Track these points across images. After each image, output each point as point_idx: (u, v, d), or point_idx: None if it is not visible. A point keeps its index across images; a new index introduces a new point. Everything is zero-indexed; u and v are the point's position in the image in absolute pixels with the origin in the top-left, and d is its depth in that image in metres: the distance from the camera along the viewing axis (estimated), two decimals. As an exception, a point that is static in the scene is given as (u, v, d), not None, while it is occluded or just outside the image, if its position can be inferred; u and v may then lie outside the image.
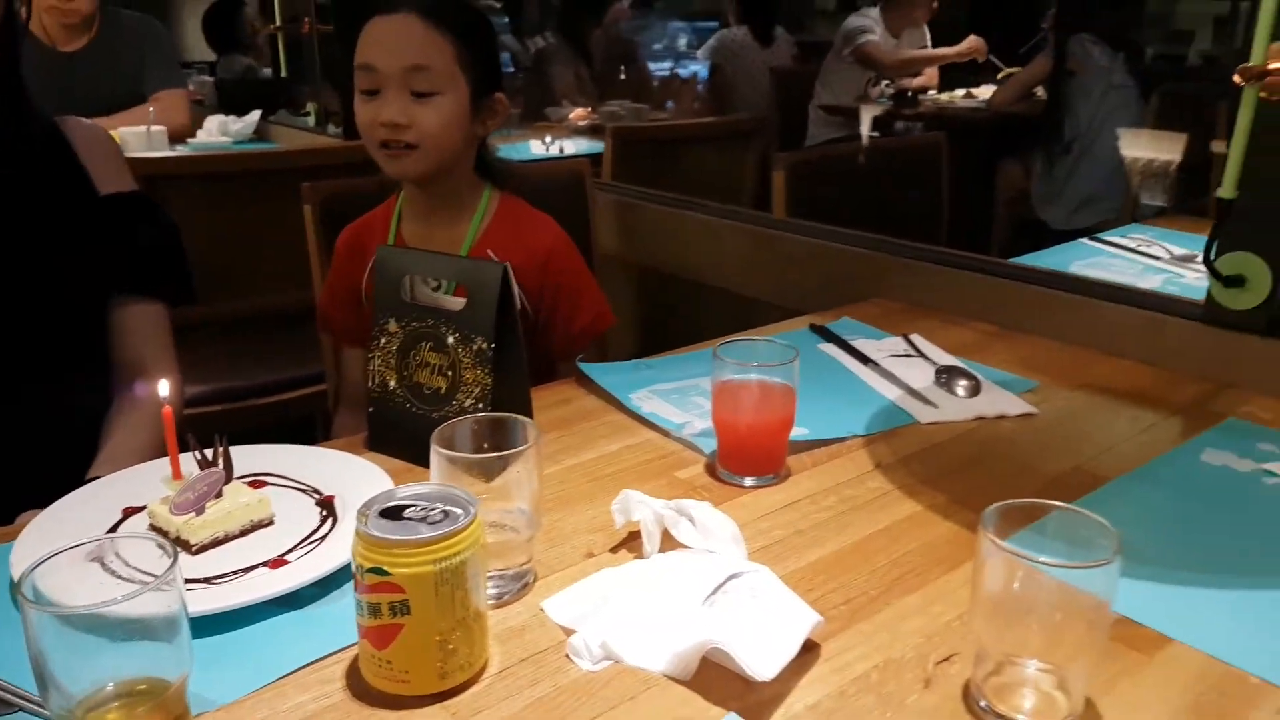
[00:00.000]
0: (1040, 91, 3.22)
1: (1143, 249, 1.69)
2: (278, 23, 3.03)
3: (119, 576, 0.60)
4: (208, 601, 0.65)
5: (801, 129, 3.70)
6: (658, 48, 4.86)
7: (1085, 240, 1.79)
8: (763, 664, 0.60)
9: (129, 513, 0.78)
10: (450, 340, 0.87)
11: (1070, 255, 1.68)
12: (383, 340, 0.91)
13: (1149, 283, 1.50)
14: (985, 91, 3.67)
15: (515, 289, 0.86)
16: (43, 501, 0.79)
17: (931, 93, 3.84)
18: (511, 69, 3.84)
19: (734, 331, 1.23)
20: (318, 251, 1.44)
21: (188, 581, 0.67)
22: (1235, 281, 1.15)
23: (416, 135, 1.15)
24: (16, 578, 0.52)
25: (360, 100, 1.17)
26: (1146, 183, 2.68)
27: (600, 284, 1.39)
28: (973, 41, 3.72)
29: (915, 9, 3.72)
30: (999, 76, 3.69)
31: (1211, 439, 1.00)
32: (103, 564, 0.62)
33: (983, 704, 0.61)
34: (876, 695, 0.62)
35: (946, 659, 0.65)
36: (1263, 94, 1.06)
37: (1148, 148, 2.72)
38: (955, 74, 3.85)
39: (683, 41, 5.10)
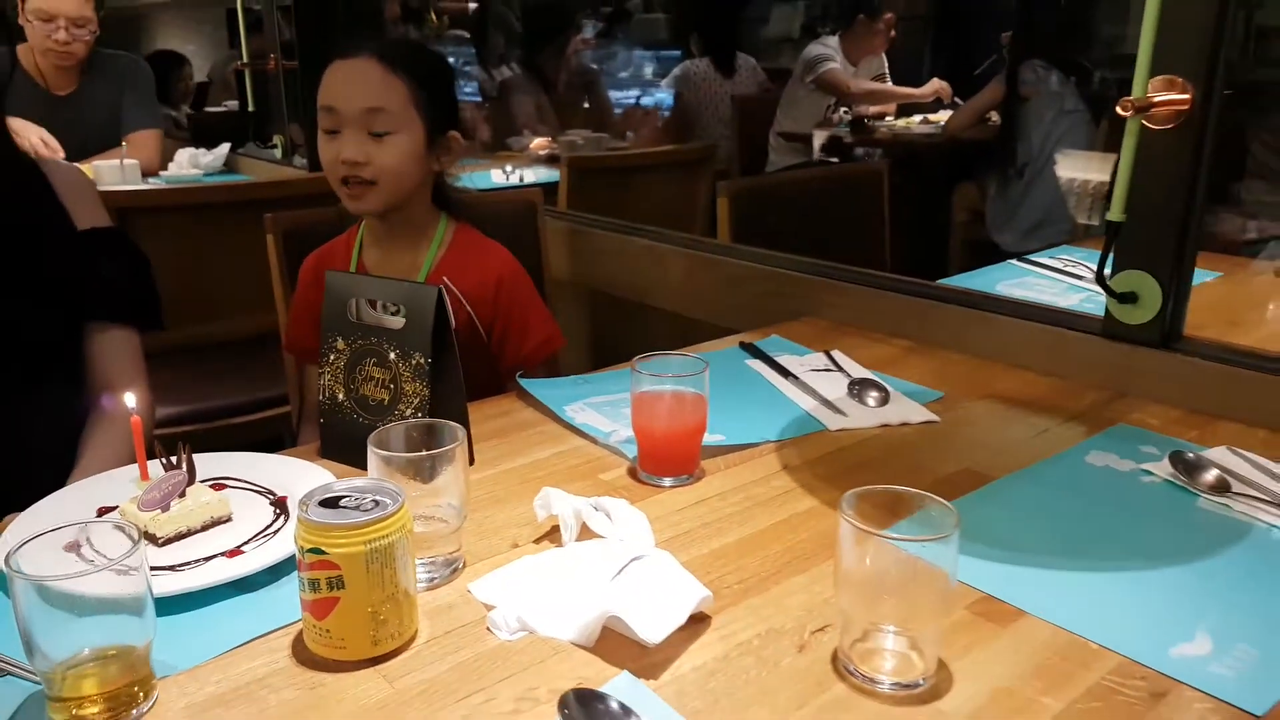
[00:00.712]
0: (995, 116, 3.34)
1: (1068, 269, 1.79)
2: (245, 59, 3.13)
3: (91, 563, 0.68)
4: (170, 584, 0.74)
5: (765, 156, 3.83)
6: (623, 76, 5.00)
7: (1014, 261, 1.90)
8: (652, 630, 0.69)
9: (103, 511, 0.86)
10: (392, 356, 0.97)
11: (997, 276, 1.78)
12: (331, 357, 1.01)
13: (1069, 300, 1.60)
14: (942, 116, 3.79)
15: (450, 310, 0.96)
16: (23, 507, 0.87)
17: (889, 119, 3.98)
18: (479, 99, 3.95)
19: (677, 349, 1.33)
20: (280, 278, 1.53)
21: (154, 569, 0.75)
22: (1129, 298, 1.25)
23: (374, 172, 1.23)
24: (3, 558, 0.60)
25: (323, 139, 1.26)
26: (1092, 205, 2.80)
27: (552, 306, 1.49)
28: (936, 84, 3.86)
29: (874, 38, 3.85)
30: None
31: (1098, 442, 1.10)
32: (78, 553, 0.70)
33: (849, 667, 0.70)
34: (756, 658, 0.71)
35: (821, 629, 0.75)
36: (1145, 123, 1.18)
37: (1090, 171, 2.85)
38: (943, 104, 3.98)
39: (648, 70, 5.24)
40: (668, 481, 0.99)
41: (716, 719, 0.65)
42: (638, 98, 4.46)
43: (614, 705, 0.61)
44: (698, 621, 0.74)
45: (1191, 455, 1.02)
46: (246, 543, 0.82)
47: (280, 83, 2.85)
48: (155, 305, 1.25)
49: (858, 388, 1.22)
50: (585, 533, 0.85)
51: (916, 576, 0.67)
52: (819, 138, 3.64)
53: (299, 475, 0.92)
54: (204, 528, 0.84)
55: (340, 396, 1.00)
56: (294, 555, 0.69)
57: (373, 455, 0.77)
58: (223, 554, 0.80)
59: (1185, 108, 1.15)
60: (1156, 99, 1.15)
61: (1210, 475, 0.98)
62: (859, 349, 1.38)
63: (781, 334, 1.46)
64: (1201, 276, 1.52)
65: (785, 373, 1.29)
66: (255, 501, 0.89)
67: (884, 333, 1.47)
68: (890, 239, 2.24)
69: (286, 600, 0.75)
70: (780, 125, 3.81)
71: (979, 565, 0.83)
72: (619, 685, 0.67)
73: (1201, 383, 1.19)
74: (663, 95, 4.12)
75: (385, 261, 1.34)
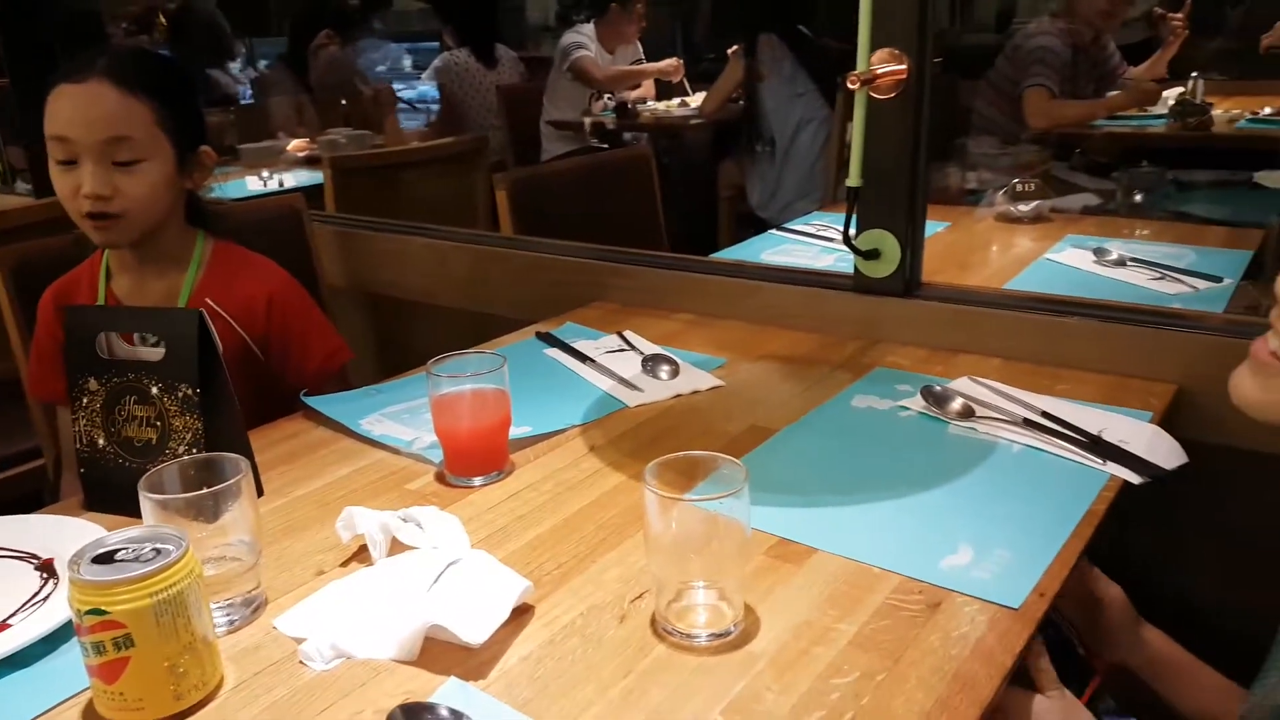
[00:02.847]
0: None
1: (821, 233, 1.94)
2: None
3: None
4: (-81, 680, 0.66)
5: (538, 145, 3.84)
6: (381, 70, 4.84)
7: (774, 230, 2.03)
8: (475, 631, 0.70)
9: None
10: (154, 391, 0.90)
11: (762, 245, 1.91)
12: (85, 400, 0.92)
13: (824, 262, 1.74)
14: (699, 98, 3.95)
15: (215, 334, 0.90)
16: None
17: (650, 103, 4.10)
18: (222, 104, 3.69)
19: (471, 347, 1.32)
20: (14, 319, 1.37)
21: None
22: (873, 255, 1.38)
23: (121, 205, 1.13)
24: None
25: (57, 170, 1.13)
26: (839, 173, 3.01)
27: (332, 317, 1.43)
28: (672, 61, 4.01)
29: (626, 25, 3.95)
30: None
31: (861, 387, 1.21)
32: None
33: (667, 627, 0.74)
34: (581, 637, 0.73)
35: (639, 597, 0.78)
36: (871, 94, 1.29)
37: (834, 141, 3.05)
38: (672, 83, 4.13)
39: (407, 63, 5.11)
40: (478, 481, 0.99)
41: (546, 704, 0.66)
42: (398, 90, 4.32)
43: (443, 712, 0.61)
44: (522, 613, 0.75)
45: (939, 388, 1.14)
46: (13, 615, 0.74)
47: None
48: None
49: (650, 364, 1.27)
50: (397, 547, 0.84)
51: (717, 532, 0.72)
52: (586, 124, 3.70)
53: (64, 533, 0.84)
54: (-45, 609, 0.74)
55: (100, 441, 0.92)
56: (69, 622, 0.63)
57: (146, 501, 0.71)
58: (-17, 633, 0.72)
59: (903, 77, 1.26)
60: (879, 71, 1.26)
61: (956, 404, 1.11)
62: (648, 327, 1.43)
63: (575, 320, 1.49)
64: (933, 227, 1.70)
65: (583, 357, 1.32)
66: (16, 569, 0.81)
67: (668, 309, 1.53)
68: (665, 219, 2.32)
69: (68, 669, 0.69)
70: (549, 114, 3.83)
71: (771, 512, 0.89)
72: (447, 692, 0.66)
73: (941, 323, 1.33)
74: (426, 88, 4.03)
75: (138, 290, 1.24)
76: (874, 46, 1.25)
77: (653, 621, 0.75)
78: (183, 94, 1.21)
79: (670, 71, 4.01)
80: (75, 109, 1.12)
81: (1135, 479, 0.94)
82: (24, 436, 1.62)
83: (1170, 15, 2.89)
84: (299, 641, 0.72)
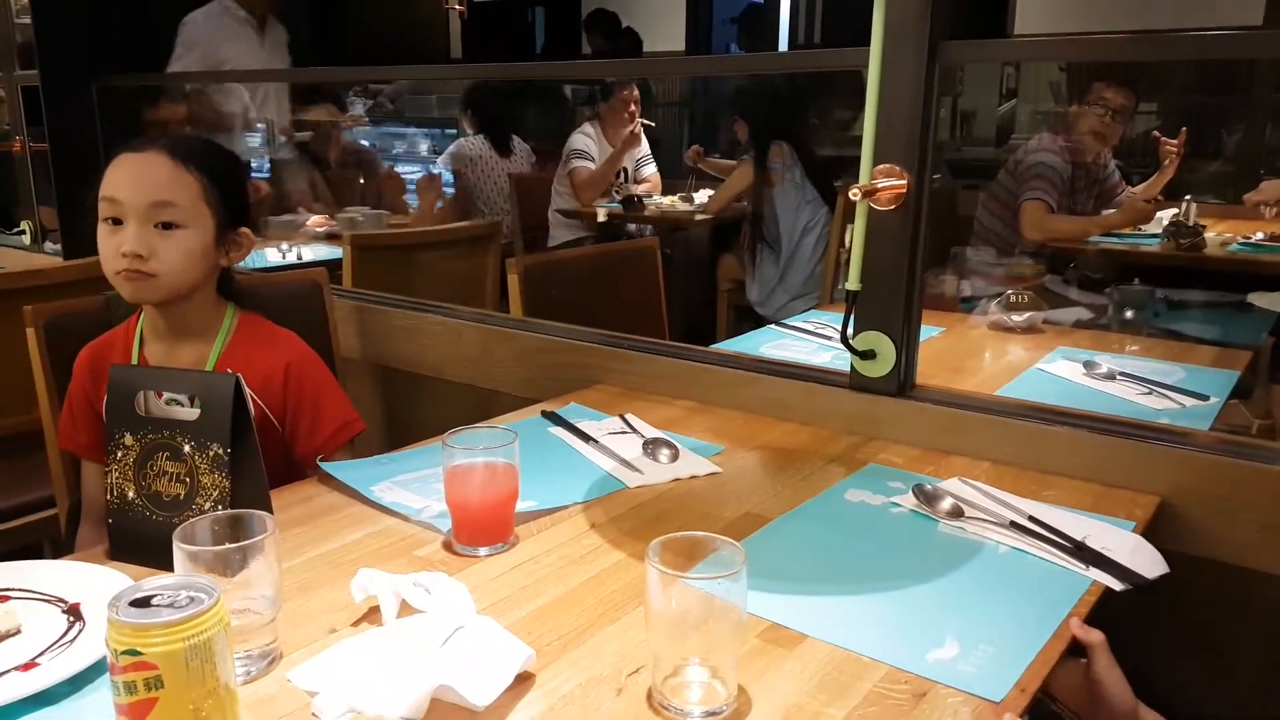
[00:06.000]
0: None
1: (819, 330, 2.01)
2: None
3: None
4: (-47, 711, 0.69)
5: (544, 229, 3.97)
6: (398, 152, 5.02)
7: (773, 325, 2.11)
8: (480, 694, 0.73)
9: None
10: (187, 449, 0.95)
11: (760, 339, 1.97)
12: (119, 454, 0.97)
13: (820, 359, 1.79)
14: (703, 196, 4.09)
15: (248, 397, 0.95)
16: None
17: (655, 197, 4.25)
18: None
19: (477, 422, 1.37)
20: (45, 373, 1.42)
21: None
22: (869, 355, 1.44)
23: (156, 266, 1.20)
24: None
25: (104, 230, 1.21)
26: (838, 276, 3.09)
27: (345, 387, 1.48)
28: (628, 131, 4.04)
29: (623, 113, 4.10)
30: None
31: (854, 481, 1.25)
32: None
33: (663, 702, 0.77)
34: (579, 707, 0.76)
35: (635, 671, 0.81)
36: (872, 205, 1.37)
37: (834, 247, 3.15)
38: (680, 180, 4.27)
39: (424, 147, 5.30)
40: (484, 551, 1.02)
41: (546, 768, 0.69)
42: (417, 174, 4.48)
43: (449, 768, 0.64)
44: (523, 680, 0.79)
45: (930, 487, 1.18)
46: (41, 654, 0.77)
47: (28, 165, 2.62)
48: None
49: (651, 447, 1.32)
50: (406, 610, 0.87)
51: (714, 611, 0.76)
52: (597, 215, 3.82)
53: (90, 579, 0.88)
54: (-11, 645, 0.78)
55: (130, 494, 0.96)
56: (95, 663, 0.66)
57: (179, 551, 0.75)
58: (16, 669, 0.75)
59: (903, 191, 1.35)
60: (880, 185, 1.34)
61: (947, 504, 1.15)
62: (649, 411, 1.48)
63: (580, 401, 1.55)
64: (929, 332, 1.76)
65: (586, 437, 1.36)
66: (45, 611, 0.84)
67: (669, 395, 1.59)
68: (667, 308, 2.40)
69: (91, 709, 0.72)
70: (557, 203, 3.97)
71: (766, 598, 0.93)
72: (451, 750, 0.69)
73: (934, 424, 1.38)
74: (439, 171, 4.17)
75: (169, 356, 1.30)
76: (876, 161, 1.34)
77: (649, 696, 0.78)
78: (230, 176, 1.29)
79: (634, 140, 4.09)
80: (130, 173, 1.21)
81: (1117, 585, 0.97)
82: (40, 485, 1.65)
83: (1166, 141, 2.97)
84: (312, 695, 0.75)
